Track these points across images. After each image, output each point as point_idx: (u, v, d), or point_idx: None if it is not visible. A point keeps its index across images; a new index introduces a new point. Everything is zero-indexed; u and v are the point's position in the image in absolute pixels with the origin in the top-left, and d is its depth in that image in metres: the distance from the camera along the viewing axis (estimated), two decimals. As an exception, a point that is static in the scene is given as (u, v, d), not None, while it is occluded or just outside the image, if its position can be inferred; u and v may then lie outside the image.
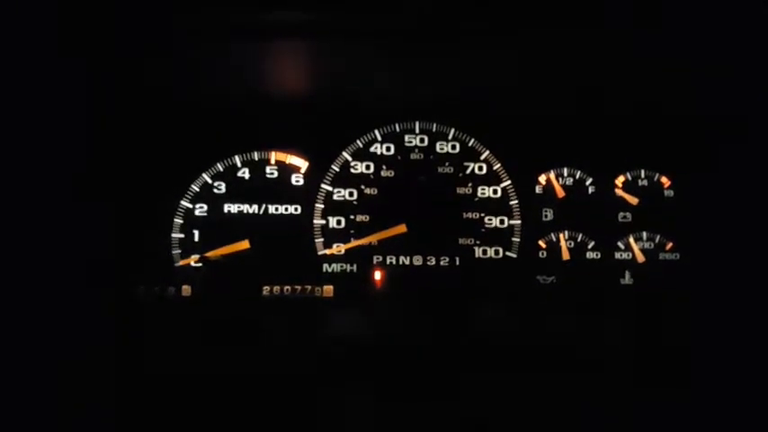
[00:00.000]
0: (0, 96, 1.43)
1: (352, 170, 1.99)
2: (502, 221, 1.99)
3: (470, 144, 2.01)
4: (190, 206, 1.96)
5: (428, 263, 1.96)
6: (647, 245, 1.98)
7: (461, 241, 1.97)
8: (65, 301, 1.60)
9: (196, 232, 1.96)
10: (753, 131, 1.82)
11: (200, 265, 1.94)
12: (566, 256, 1.96)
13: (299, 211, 1.98)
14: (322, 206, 1.98)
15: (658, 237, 1.98)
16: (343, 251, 1.97)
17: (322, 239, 1.97)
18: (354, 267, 1.97)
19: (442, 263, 1.97)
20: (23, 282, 1.48)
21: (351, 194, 1.99)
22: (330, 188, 1.99)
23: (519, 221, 1.98)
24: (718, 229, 1.92)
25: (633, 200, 1.98)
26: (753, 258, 1.82)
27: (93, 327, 1.67)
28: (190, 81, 1.85)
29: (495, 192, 2.00)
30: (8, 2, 1.27)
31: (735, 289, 1.82)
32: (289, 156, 1.99)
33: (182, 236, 1.95)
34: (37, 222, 1.55)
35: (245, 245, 1.95)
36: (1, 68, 1.41)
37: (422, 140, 2.01)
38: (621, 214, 1.99)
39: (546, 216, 1.99)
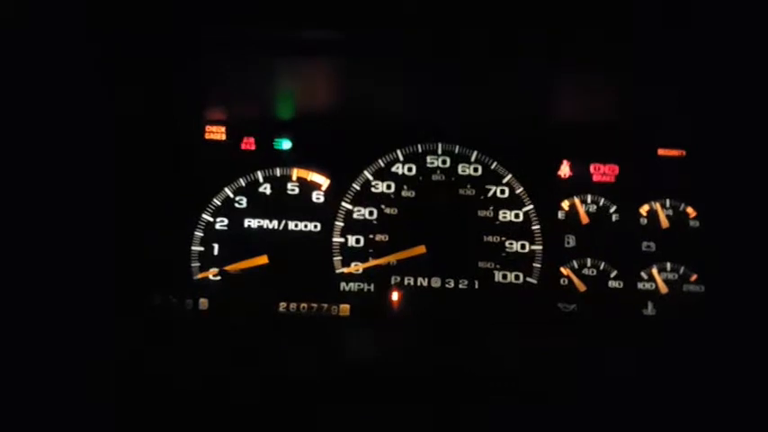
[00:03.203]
0: (33, 103, 1.46)
1: (373, 189, 1.99)
2: (523, 246, 1.96)
3: (493, 167, 1.99)
4: (211, 219, 1.97)
5: (446, 285, 1.94)
6: (670, 276, 1.94)
7: (481, 265, 1.95)
8: (81, 310, 1.61)
9: (216, 246, 1.96)
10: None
11: (218, 278, 1.94)
12: (581, 288, 1.93)
13: (319, 228, 1.98)
14: (341, 224, 1.97)
15: (682, 268, 1.94)
16: (361, 270, 1.95)
17: (340, 258, 1.96)
18: (372, 287, 1.95)
19: (460, 286, 1.94)
20: (40, 291, 1.50)
21: (371, 213, 1.98)
22: (350, 206, 1.98)
23: (540, 247, 1.96)
24: (744, 262, 1.87)
25: (665, 222, 1.95)
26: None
27: (109, 337, 1.67)
28: (216, 97, 1.87)
29: (516, 216, 1.97)
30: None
31: (760, 323, 1.77)
32: (310, 173, 2.00)
33: (201, 249, 1.96)
34: (55, 231, 1.56)
35: (263, 260, 1.95)
36: (45, 77, 1.45)
37: (444, 162, 2.00)
38: (645, 244, 1.96)
39: (568, 243, 1.96)
